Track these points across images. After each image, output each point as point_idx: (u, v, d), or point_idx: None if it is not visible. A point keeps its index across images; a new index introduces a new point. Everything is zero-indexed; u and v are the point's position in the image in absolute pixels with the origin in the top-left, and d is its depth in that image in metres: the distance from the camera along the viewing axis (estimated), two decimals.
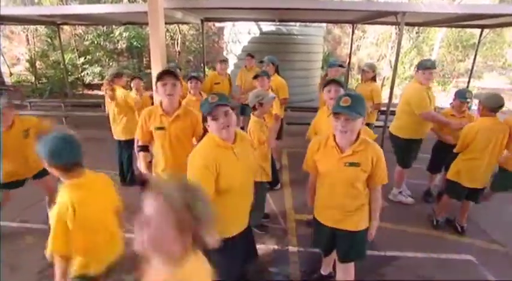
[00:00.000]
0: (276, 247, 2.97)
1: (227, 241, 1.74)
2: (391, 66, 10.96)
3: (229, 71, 5.67)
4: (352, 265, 2.09)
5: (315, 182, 2.06)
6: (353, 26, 8.14)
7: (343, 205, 1.91)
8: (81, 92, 12.21)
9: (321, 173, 1.96)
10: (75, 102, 8.74)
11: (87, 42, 12.56)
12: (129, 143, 3.78)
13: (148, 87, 5.39)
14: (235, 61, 9.34)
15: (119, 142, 4.09)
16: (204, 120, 1.74)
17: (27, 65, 12.71)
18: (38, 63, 12.47)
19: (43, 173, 2.81)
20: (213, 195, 1.62)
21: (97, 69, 12.27)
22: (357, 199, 1.89)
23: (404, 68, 13.14)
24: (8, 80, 12.95)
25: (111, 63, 13.44)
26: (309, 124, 2.90)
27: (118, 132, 4.03)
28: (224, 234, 1.76)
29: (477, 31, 8.12)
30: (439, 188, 3.86)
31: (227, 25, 9.95)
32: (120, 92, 3.93)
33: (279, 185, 4.14)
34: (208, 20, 7.73)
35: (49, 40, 12.29)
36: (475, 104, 3.49)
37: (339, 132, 1.77)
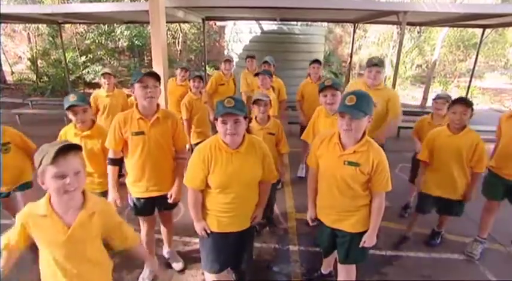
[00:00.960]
0: (276, 245, 2.98)
1: (217, 235, 1.93)
2: (392, 66, 10.94)
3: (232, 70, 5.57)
4: (353, 266, 2.07)
5: (314, 177, 2.06)
6: (354, 26, 8.13)
7: (340, 205, 1.90)
8: (82, 91, 12.23)
9: (321, 170, 1.96)
10: None
11: (88, 41, 12.57)
12: None
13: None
14: (237, 60, 9.34)
15: None
16: (215, 119, 1.79)
17: (29, 63, 12.72)
18: (39, 62, 12.48)
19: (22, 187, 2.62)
20: (202, 187, 1.84)
21: (98, 68, 12.28)
22: (354, 200, 1.86)
23: (405, 67, 13.12)
24: (9, 79, 12.98)
25: (112, 62, 13.46)
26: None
27: None
28: (214, 228, 1.91)
29: (479, 31, 8.11)
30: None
31: (228, 24, 9.94)
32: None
33: (280, 185, 4.14)
34: (209, 19, 7.73)
35: (51, 39, 12.30)
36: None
37: (343, 131, 1.76)
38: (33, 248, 1.42)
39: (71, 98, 2.27)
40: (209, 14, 7.07)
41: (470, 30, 12.58)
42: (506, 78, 16.41)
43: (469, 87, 8.66)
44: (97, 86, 12.22)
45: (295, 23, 8.90)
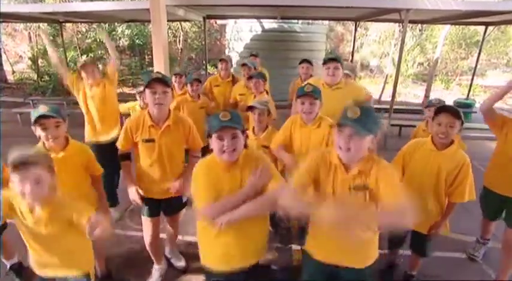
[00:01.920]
0: (278, 245, 2.97)
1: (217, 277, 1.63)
2: (394, 64, 10.90)
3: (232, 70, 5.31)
4: None
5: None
6: (356, 24, 8.10)
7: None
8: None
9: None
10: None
11: (89, 40, 12.57)
12: None
13: None
14: (238, 59, 9.33)
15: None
16: (209, 136, 1.57)
17: (30, 62, 12.73)
18: (40, 61, 12.49)
19: None
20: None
21: (99, 67, 12.28)
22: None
23: (407, 65, 13.09)
24: (10, 78, 13.00)
25: None
26: None
27: None
28: (211, 267, 1.65)
29: (481, 28, 8.07)
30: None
31: (229, 23, 9.93)
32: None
33: None
34: (210, 17, 7.72)
35: (51, 38, 12.30)
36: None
37: (339, 150, 1.44)
38: None
39: (41, 109, 1.81)
40: (210, 12, 7.05)
41: (472, 27, 12.52)
42: (508, 76, 16.31)
43: (471, 86, 8.63)
44: None
45: (296, 21, 8.87)
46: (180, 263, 2.66)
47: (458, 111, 1.99)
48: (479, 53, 7.97)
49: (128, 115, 3.30)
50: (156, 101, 1.98)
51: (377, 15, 6.33)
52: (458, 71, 14.90)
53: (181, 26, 13.80)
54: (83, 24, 12.19)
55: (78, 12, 6.39)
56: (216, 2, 5.40)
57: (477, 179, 2.12)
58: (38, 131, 1.84)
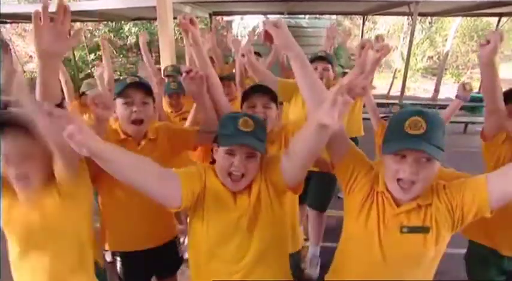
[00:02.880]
0: None
1: None
2: (402, 58, 10.72)
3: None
4: None
5: None
6: (364, 18, 7.98)
7: None
8: None
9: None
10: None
11: (97, 39, 12.70)
12: None
13: None
14: None
15: None
16: (215, 141, 1.15)
17: None
18: None
19: None
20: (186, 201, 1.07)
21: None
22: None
23: (416, 59, 12.87)
24: None
25: (120, 59, 13.57)
26: None
27: None
28: None
29: (494, 20, 7.86)
30: None
31: (235, 19, 9.90)
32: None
33: None
34: (216, 14, 7.70)
35: None
36: None
37: (396, 182, 0.98)
38: None
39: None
40: (216, 8, 7.03)
41: (485, 19, 12.22)
42: None
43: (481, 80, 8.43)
44: None
45: (303, 16, 8.79)
46: None
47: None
48: None
49: None
50: (134, 117, 1.34)
51: (385, 8, 6.21)
52: (469, 64, 14.57)
53: None
54: (90, 23, 12.33)
55: (85, 11, 6.43)
56: None
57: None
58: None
